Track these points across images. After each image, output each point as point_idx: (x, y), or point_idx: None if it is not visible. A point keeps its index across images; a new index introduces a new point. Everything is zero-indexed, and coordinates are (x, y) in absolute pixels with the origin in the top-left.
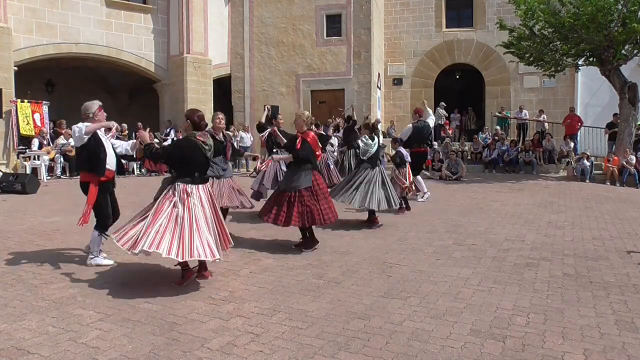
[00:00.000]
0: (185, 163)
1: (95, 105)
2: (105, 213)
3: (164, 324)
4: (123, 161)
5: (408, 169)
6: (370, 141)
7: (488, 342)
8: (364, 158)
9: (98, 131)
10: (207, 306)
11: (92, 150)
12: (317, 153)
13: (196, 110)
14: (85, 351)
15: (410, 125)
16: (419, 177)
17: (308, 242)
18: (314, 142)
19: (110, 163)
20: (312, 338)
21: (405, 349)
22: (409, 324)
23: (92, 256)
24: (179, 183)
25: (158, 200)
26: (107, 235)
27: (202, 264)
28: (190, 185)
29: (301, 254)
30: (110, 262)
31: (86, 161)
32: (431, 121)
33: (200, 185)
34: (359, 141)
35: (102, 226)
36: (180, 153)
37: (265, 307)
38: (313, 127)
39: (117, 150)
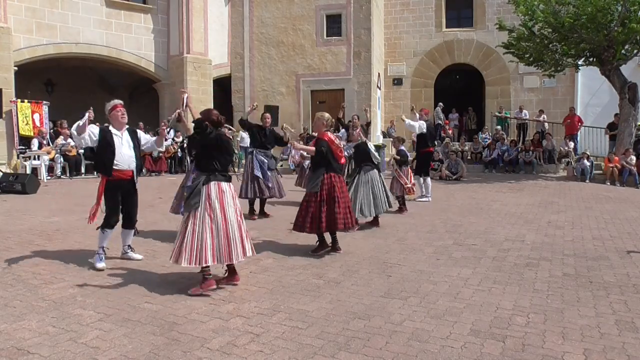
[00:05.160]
0: (221, 159)
1: (109, 105)
2: (109, 211)
3: (164, 324)
4: None
5: (409, 168)
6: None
7: (488, 342)
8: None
9: (112, 130)
10: (207, 306)
11: (100, 150)
12: (340, 154)
13: (210, 110)
14: (85, 351)
15: (424, 122)
16: (429, 179)
17: (319, 246)
18: (331, 142)
19: (122, 163)
20: (312, 338)
21: (405, 349)
22: (409, 324)
23: (96, 256)
24: (214, 182)
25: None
26: (137, 232)
27: (231, 269)
28: (224, 183)
29: (302, 254)
30: (101, 265)
31: (96, 160)
32: (417, 129)
33: (230, 184)
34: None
35: (104, 224)
36: (222, 147)
37: (265, 307)
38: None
39: (144, 148)
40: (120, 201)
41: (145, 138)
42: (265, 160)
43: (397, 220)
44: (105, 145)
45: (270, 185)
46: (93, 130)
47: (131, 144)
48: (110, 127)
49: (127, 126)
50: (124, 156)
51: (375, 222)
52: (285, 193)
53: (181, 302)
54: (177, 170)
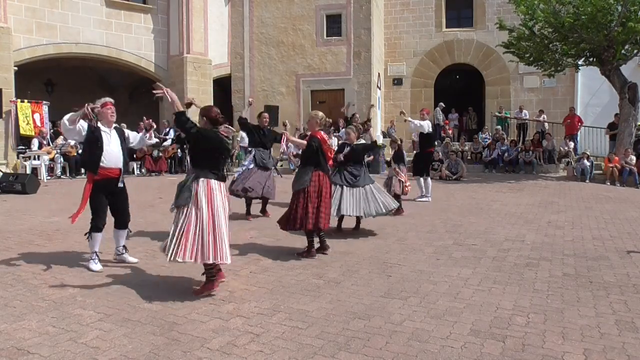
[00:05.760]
0: (211, 156)
1: (100, 101)
2: (95, 214)
3: (164, 324)
4: None
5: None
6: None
7: (488, 342)
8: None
9: (101, 126)
10: (207, 306)
11: (87, 145)
12: (330, 155)
13: (211, 107)
14: (85, 351)
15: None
16: (429, 179)
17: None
18: (323, 142)
19: (109, 161)
20: (312, 338)
21: (405, 349)
22: (409, 324)
23: (90, 260)
24: (203, 179)
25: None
26: (130, 232)
27: (217, 266)
28: (213, 181)
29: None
30: (98, 267)
31: (83, 157)
32: (426, 128)
33: (222, 183)
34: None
35: (92, 227)
36: (208, 144)
37: (265, 307)
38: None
39: (134, 145)
40: (106, 202)
41: (133, 136)
42: (265, 159)
43: (397, 221)
44: (94, 140)
45: (244, 184)
46: (82, 125)
47: (119, 142)
48: (99, 124)
49: (115, 125)
50: (112, 153)
51: (358, 226)
52: (269, 195)
53: (181, 302)
54: (177, 170)
